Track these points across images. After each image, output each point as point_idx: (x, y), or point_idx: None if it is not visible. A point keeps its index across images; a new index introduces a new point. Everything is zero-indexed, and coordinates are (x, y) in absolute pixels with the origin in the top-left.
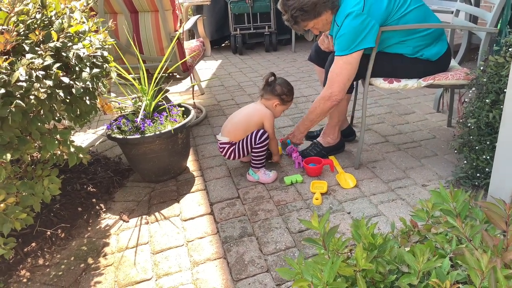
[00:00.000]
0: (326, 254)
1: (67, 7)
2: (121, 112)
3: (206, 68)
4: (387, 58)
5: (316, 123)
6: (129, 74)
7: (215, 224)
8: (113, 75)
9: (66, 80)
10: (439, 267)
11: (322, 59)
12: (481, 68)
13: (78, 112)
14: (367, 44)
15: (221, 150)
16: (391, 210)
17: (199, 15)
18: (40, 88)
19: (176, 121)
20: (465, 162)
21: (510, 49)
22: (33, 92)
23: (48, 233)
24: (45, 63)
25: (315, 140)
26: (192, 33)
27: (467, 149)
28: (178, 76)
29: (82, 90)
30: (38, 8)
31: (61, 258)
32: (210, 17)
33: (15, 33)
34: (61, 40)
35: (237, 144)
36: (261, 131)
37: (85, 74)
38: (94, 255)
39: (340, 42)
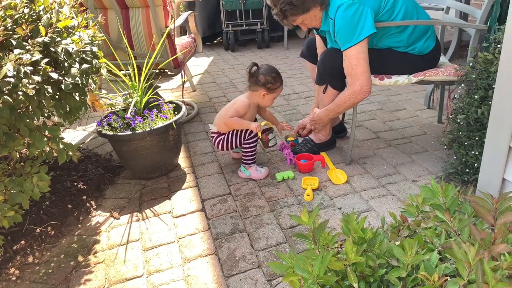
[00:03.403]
0: (316, 249)
1: (55, 1)
2: (111, 109)
3: (198, 65)
4: (378, 54)
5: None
6: (119, 70)
7: (206, 220)
8: (103, 71)
9: (55, 75)
10: (428, 260)
11: (314, 55)
12: (471, 64)
13: (68, 109)
14: (368, 31)
15: (210, 138)
16: (381, 205)
17: (190, 11)
18: (28, 84)
19: (167, 118)
20: (455, 157)
21: (498, 46)
22: (21, 88)
23: (38, 230)
24: (33, 59)
25: (306, 137)
26: (184, 30)
27: (457, 145)
28: (169, 73)
29: (71, 86)
30: (26, 3)
31: (51, 256)
32: (202, 13)
33: (2, 27)
34: (49, 35)
35: (225, 135)
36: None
37: (74, 70)
38: (85, 253)
39: (341, 36)
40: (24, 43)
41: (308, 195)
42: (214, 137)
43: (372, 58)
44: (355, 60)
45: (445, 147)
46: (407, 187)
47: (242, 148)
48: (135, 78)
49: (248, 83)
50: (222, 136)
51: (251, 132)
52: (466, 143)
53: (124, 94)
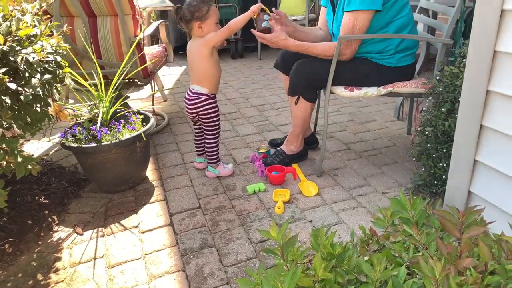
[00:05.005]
0: (285, 265)
1: (16, 9)
2: (76, 120)
3: (170, 74)
4: (350, 66)
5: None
6: (85, 80)
7: (174, 235)
8: (68, 81)
9: (13, 86)
10: (396, 276)
11: (288, 67)
12: (438, 78)
13: (29, 120)
14: (377, 5)
15: (193, 100)
16: (351, 217)
17: (161, 21)
18: None
19: (134, 129)
20: (423, 169)
21: (464, 60)
22: None
23: None
24: None
25: (278, 148)
26: (156, 39)
27: (425, 157)
28: (139, 83)
29: (31, 97)
30: None
31: (8, 275)
32: (174, 22)
33: None
34: (8, 43)
35: (215, 100)
36: (211, 127)
37: (35, 80)
38: (44, 271)
39: None
40: None
41: (279, 208)
42: (202, 99)
43: (345, 68)
44: (359, 25)
45: (414, 159)
46: (377, 199)
47: (207, 150)
48: (101, 88)
49: (185, 29)
50: (213, 100)
51: (213, 130)
52: (434, 155)
53: (89, 105)
